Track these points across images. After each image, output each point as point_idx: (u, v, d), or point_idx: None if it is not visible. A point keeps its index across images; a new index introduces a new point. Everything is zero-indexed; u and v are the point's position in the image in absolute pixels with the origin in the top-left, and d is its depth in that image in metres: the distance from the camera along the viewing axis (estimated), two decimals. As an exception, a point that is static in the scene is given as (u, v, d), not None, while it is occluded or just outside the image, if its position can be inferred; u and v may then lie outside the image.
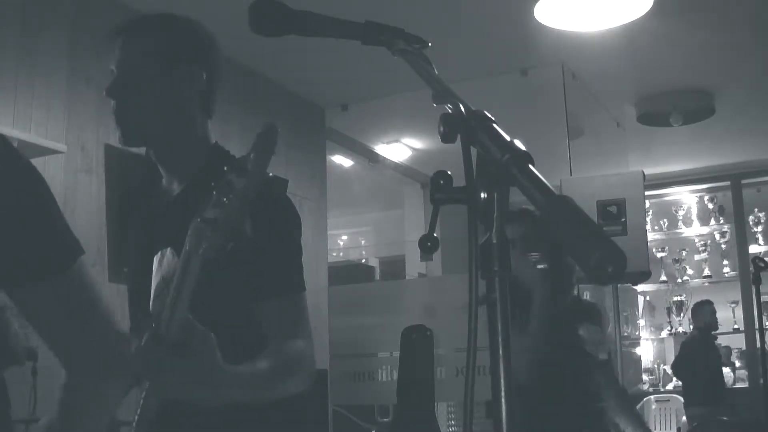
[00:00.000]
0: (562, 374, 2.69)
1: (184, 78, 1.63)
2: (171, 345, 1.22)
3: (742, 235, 7.12)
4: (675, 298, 7.31)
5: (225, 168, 1.22)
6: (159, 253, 1.54)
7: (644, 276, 3.73)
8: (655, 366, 7.49)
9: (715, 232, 7.31)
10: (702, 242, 7.32)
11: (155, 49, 1.61)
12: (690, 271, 7.34)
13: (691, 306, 6.75)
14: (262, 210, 1.54)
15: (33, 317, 1.21)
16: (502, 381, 0.80)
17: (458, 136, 0.83)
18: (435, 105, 0.92)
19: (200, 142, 1.66)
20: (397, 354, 4.76)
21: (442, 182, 0.87)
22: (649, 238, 4.05)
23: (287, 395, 1.52)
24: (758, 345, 5.09)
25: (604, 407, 2.89)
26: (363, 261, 7.96)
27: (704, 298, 6.63)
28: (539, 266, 2.55)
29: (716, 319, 6.46)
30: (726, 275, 7.20)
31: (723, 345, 7.02)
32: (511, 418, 0.79)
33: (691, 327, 6.96)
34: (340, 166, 6.37)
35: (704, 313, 6.41)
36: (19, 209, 1.16)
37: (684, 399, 6.41)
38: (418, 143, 6.29)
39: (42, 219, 1.19)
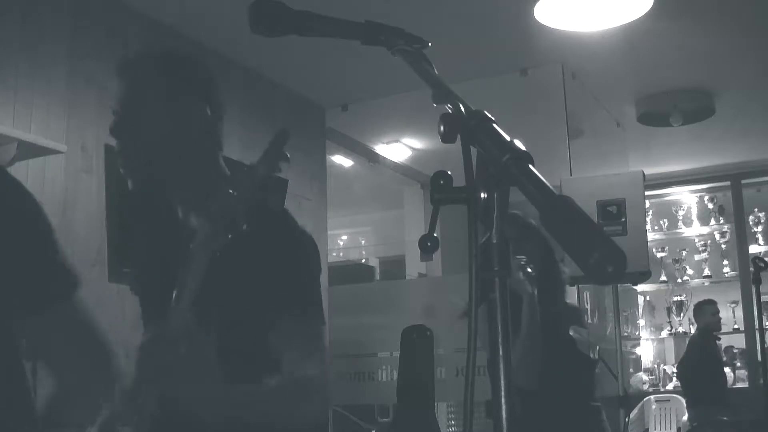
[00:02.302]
0: (561, 376, 2.71)
1: (190, 115, 1.61)
2: (170, 348, 1.23)
3: (742, 235, 7.12)
4: (675, 298, 7.31)
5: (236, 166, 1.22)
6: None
7: (644, 276, 3.73)
8: (655, 366, 7.49)
9: (715, 232, 7.31)
10: (702, 242, 7.32)
11: (161, 89, 1.59)
12: (690, 271, 7.34)
13: (693, 305, 6.75)
14: (283, 240, 1.55)
15: (35, 347, 1.21)
16: (502, 381, 0.80)
17: (458, 136, 0.83)
18: (435, 105, 0.92)
19: (213, 172, 1.63)
20: (397, 354, 4.76)
21: (442, 182, 0.87)
22: (649, 238, 4.05)
23: (293, 421, 1.49)
24: (758, 345, 5.09)
25: (599, 406, 2.93)
26: (363, 261, 7.95)
27: (704, 298, 6.63)
28: (528, 269, 2.58)
29: (719, 319, 6.45)
30: (726, 275, 7.20)
31: (726, 345, 7.03)
32: (512, 418, 0.79)
33: (692, 327, 6.97)
34: (340, 166, 6.37)
35: (705, 313, 6.41)
36: (24, 241, 1.17)
37: (686, 399, 6.41)
38: (418, 143, 6.29)
39: (45, 251, 1.20)
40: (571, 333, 2.86)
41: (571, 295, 4.53)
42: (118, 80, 1.61)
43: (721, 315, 6.55)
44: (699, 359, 6.32)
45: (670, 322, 7.40)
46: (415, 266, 6.95)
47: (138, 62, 1.64)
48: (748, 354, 6.89)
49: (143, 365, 1.28)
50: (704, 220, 7.38)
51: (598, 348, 3.03)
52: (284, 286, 1.53)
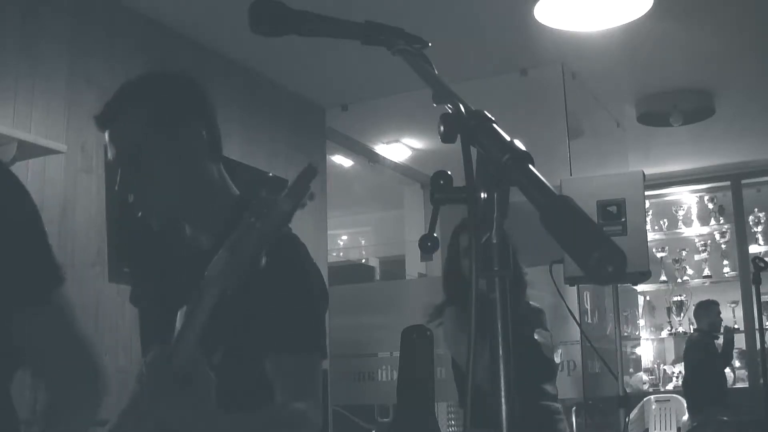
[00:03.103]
0: (523, 378, 2.73)
1: (187, 138, 1.59)
2: (174, 377, 1.22)
3: (742, 235, 7.12)
4: (675, 298, 7.31)
5: (263, 194, 1.21)
6: (185, 308, 1.54)
7: (644, 276, 3.72)
8: (655, 366, 7.49)
9: (715, 232, 7.30)
10: (702, 242, 7.32)
11: (155, 117, 1.57)
12: (690, 271, 7.34)
13: (694, 305, 6.74)
14: (291, 272, 1.55)
15: (22, 342, 1.20)
16: (502, 381, 0.80)
17: (458, 136, 0.83)
18: (435, 105, 0.92)
19: (221, 194, 1.63)
20: (397, 354, 4.76)
21: (442, 182, 0.88)
22: (649, 238, 4.04)
23: None
24: (758, 345, 5.08)
25: (559, 408, 2.97)
26: (363, 261, 7.95)
27: (704, 298, 6.63)
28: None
29: (722, 319, 6.45)
30: (726, 275, 7.20)
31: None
32: (512, 418, 0.79)
33: (691, 327, 6.96)
34: (340, 166, 6.37)
35: (711, 314, 6.40)
36: (16, 233, 1.16)
37: (686, 399, 6.40)
38: (418, 143, 6.29)
39: (35, 244, 1.18)
40: (536, 337, 2.88)
41: (571, 295, 4.53)
42: (110, 129, 1.57)
43: (721, 315, 6.56)
44: (701, 359, 6.32)
45: (670, 322, 7.40)
46: (415, 266, 6.95)
47: (127, 104, 1.58)
48: (748, 354, 6.89)
49: (143, 388, 1.29)
50: (704, 220, 7.38)
51: (560, 351, 3.05)
52: (288, 323, 1.53)
